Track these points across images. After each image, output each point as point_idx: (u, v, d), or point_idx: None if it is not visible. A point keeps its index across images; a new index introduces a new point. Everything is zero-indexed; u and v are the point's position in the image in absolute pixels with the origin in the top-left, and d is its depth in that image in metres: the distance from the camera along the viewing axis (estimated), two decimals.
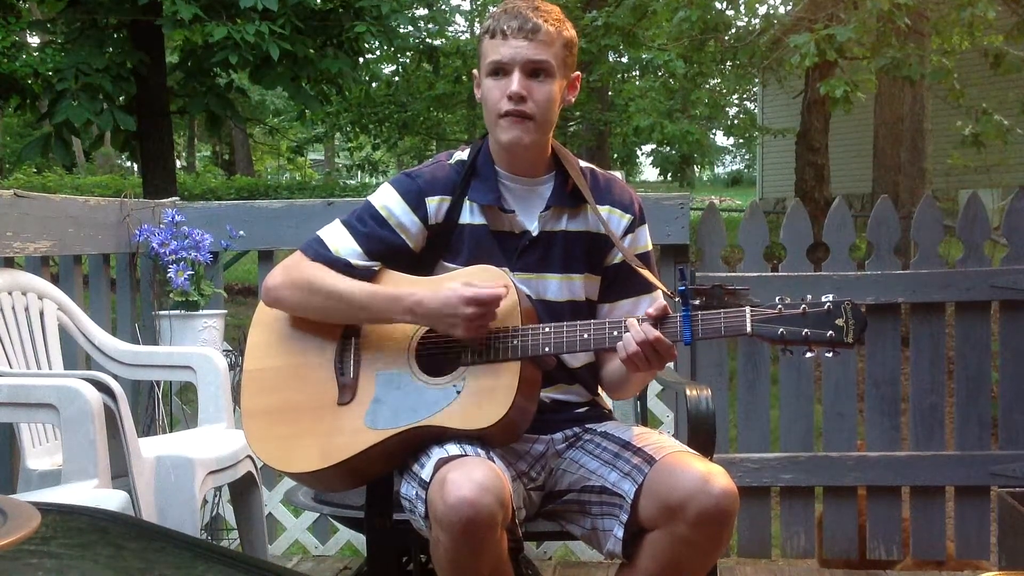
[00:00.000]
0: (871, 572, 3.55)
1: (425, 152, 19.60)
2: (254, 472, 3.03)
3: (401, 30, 10.52)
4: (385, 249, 2.20)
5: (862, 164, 14.17)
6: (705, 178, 38.19)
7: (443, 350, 2.12)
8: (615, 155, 18.96)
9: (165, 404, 3.62)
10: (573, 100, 2.27)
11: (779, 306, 1.97)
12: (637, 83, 14.77)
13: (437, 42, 13.42)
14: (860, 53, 8.56)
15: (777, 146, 17.49)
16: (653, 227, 2.41)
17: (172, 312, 3.46)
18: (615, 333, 2.04)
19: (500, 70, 2.15)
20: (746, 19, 10.74)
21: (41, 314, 3.01)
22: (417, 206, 2.21)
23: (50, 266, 3.36)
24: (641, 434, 2.17)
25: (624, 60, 14.61)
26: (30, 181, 17.40)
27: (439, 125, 18.73)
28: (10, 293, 2.90)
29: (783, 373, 3.59)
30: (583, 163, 2.31)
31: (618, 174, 2.45)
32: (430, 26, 13.01)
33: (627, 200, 2.29)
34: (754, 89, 18.31)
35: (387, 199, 2.23)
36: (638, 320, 2.03)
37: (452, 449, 1.99)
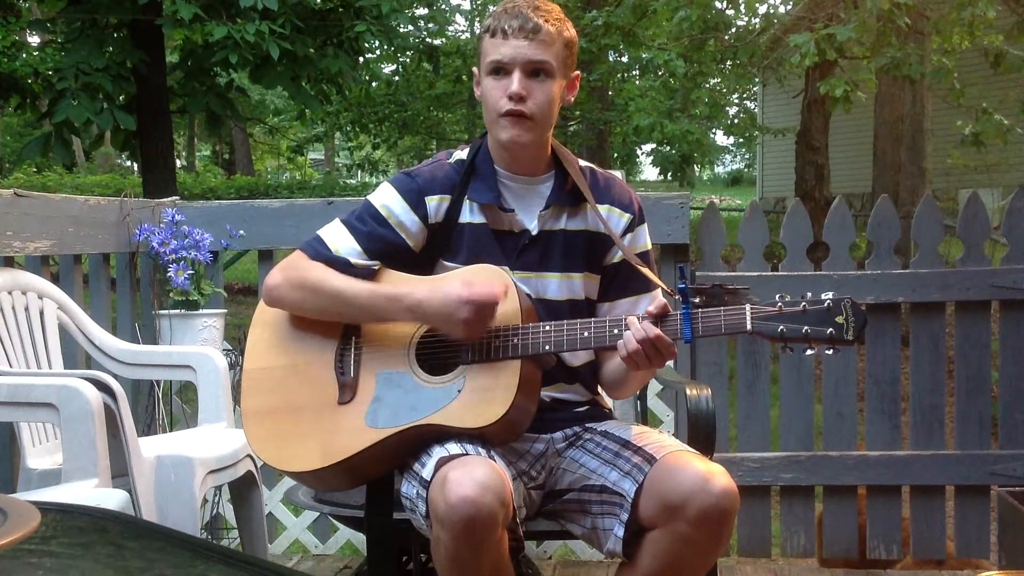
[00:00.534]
0: (871, 571, 3.55)
1: (425, 151, 19.61)
2: (254, 471, 3.03)
3: (401, 29, 10.51)
4: (385, 248, 2.20)
5: (862, 164, 14.16)
6: (705, 177, 38.19)
7: (443, 349, 2.12)
8: (615, 154, 18.97)
9: (165, 403, 3.62)
10: (573, 100, 2.27)
11: (779, 304, 1.97)
12: (637, 82, 14.78)
13: (437, 41, 13.43)
14: (860, 52, 8.56)
15: (777, 145, 17.49)
16: (653, 226, 2.41)
17: (172, 311, 3.46)
18: (615, 331, 2.04)
19: (500, 69, 2.15)
20: (746, 18, 10.74)
21: (41, 313, 3.01)
22: (417, 205, 2.21)
23: (50, 265, 3.36)
24: (641, 433, 2.17)
25: (624, 59, 14.61)
26: (30, 180, 17.41)
27: (439, 124, 18.74)
28: (10, 292, 2.90)
29: (783, 372, 3.59)
30: (583, 162, 2.31)
31: (618, 173, 2.45)
32: (430, 25, 13.01)
33: (627, 199, 2.29)
34: (754, 88, 18.31)
35: (387, 198, 2.23)
36: (638, 318, 2.03)
37: (453, 448, 1.99)
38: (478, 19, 18.07)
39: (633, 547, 2.04)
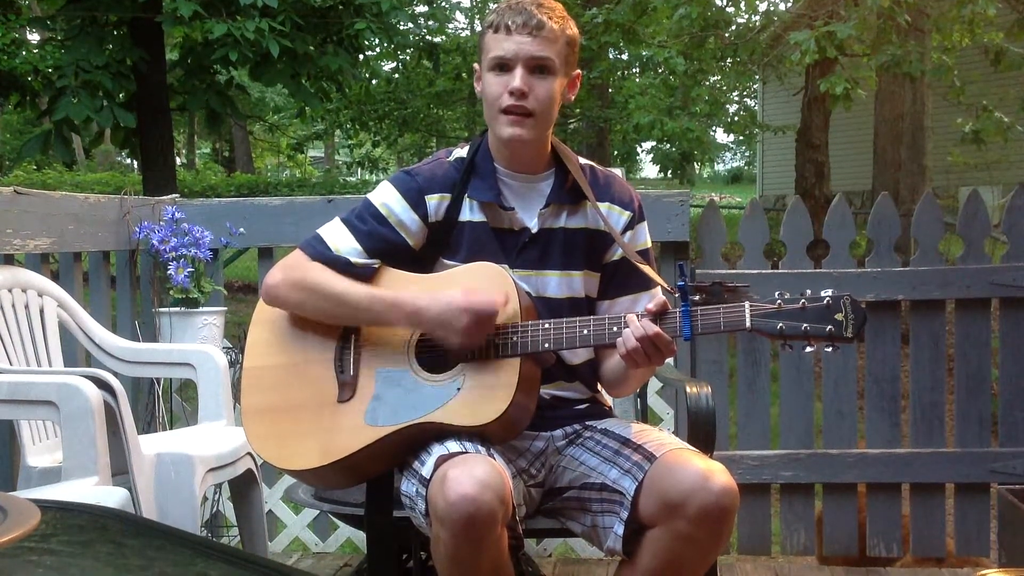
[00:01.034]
0: (871, 569, 3.55)
1: (425, 149, 19.60)
2: (254, 469, 3.03)
3: (401, 27, 10.50)
4: (385, 247, 2.20)
5: (862, 161, 14.16)
6: (705, 175, 38.18)
7: (443, 347, 2.12)
8: (615, 152, 18.96)
9: (165, 401, 3.62)
10: (573, 99, 2.27)
11: (778, 301, 1.97)
12: (637, 80, 14.77)
13: (437, 39, 13.41)
14: (860, 50, 8.56)
15: (777, 143, 17.48)
16: (653, 224, 2.41)
17: (172, 309, 3.46)
18: (615, 329, 2.04)
19: (503, 65, 2.15)
20: (746, 16, 10.74)
21: (41, 311, 3.01)
22: (417, 204, 2.21)
23: (50, 263, 3.36)
24: (641, 431, 2.17)
25: (624, 57, 14.59)
26: (30, 178, 17.40)
27: (439, 122, 18.72)
28: (10, 290, 2.90)
29: (783, 370, 3.59)
30: (583, 160, 2.31)
31: (618, 171, 2.45)
32: (430, 23, 13.01)
33: (627, 197, 2.29)
34: (754, 86, 18.30)
35: (387, 197, 2.23)
36: (637, 316, 2.03)
37: (452, 446, 1.99)
38: (478, 16, 18.08)
39: (633, 545, 2.04)
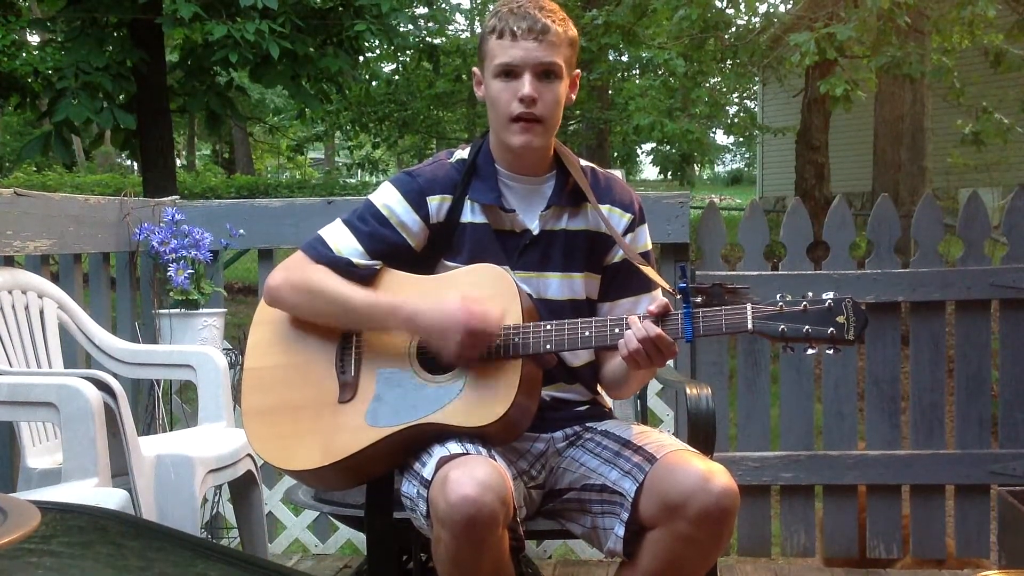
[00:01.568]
0: (871, 571, 3.55)
1: (425, 151, 19.59)
2: (254, 471, 3.03)
3: (401, 29, 10.50)
4: (387, 248, 2.20)
5: (862, 163, 14.16)
6: (705, 177, 38.19)
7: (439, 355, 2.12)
8: (615, 154, 18.96)
9: (165, 403, 3.62)
10: (574, 99, 2.27)
11: (780, 303, 1.97)
12: (637, 82, 14.77)
13: (437, 40, 13.41)
14: (860, 52, 8.56)
15: (777, 145, 17.49)
16: (653, 226, 2.41)
17: (172, 311, 3.46)
18: (616, 331, 2.04)
19: (510, 72, 2.14)
20: (746, 17, 10.75)
21: (41, 313, 3.01)
22: (418, 205, 2.21)
23: (50, 265, 3.36)
24: (641, 432, 2.17)
25: (624, 59, 14.61)
26: (30, 180, 17.41)
27: (439, 124, 18.73)
28: (10, 292, 2.90)
29: (783, 372, 3.59)
30: (583, 162, 2.31)
31: (618, 173, 2.45)
32: (430, 24, 13.00)
33: (627, 199, 2.29)
34: (754, 88, 18.31)
35: (388, 198, 2.22)
36: (639, 317, 2.03)
37: (453, 447, 1.99)
38: (478, 18, 18.09)
39: (633, 546, 2.03)
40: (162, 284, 3.54)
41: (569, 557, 3.79)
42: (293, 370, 2.19)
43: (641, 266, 2.21)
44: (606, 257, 2.27)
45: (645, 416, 2.91)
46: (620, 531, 2.04)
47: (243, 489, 3.06)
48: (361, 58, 11.58)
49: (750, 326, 1.97)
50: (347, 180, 23.66)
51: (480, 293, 2.11)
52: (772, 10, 10.72)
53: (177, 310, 3.46)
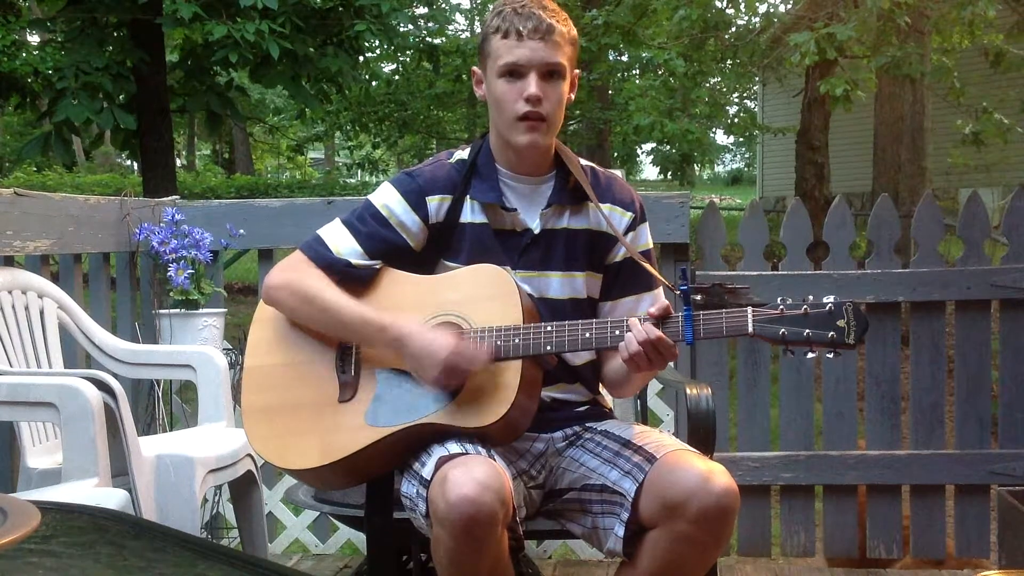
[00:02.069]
0: (871, 571, 3.55)
1: (425, 151, 19.61)
2: (254, 471, 3.03)
3: (401, 29, 10.50)
4: (386, 248, 2.20)
5: (862, 163, 14.16)
6: (705, 177, 38.21)
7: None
8: (615, 154, 18.99)
9: (165, 403, 3.62)
10: (573, 98, 2.27)
11: (781, 306, 1.97)
12: (637, 82, 14.78)
13: (437, 41, 13.41)
14: (860, 52, 8.55)
15: (777, 145, 17.48)
16: (653, 226, 2.41)
17: (172, 311, 3.46)
18: (616, 332, 2.04)
19: (515, 72, 2.14)
20: (746, 17, 10.75)
21: (41, 313, 3.01)
22: (418, 206, 2.21)
23: (50, 265, 3.36)
24: (641, 432, 2.17)
25: (624, 59, 14.63)
26: (30, 180, 17.41)
27: (439, 124, 18.74)
28: (10, 292, 2.90)
29: (783, 372, 3.59)
30: (583, 161, 2.31)
31: (618, 172, 2.45)
32: (430, 25, 12.99)
33: (628, 198, 2.29)
34: (754, 88, 18.32)
35: (388, 198, 2.22)
36: (640, 320, 2.03)
37: (453, 447, 1.99)
38: (478, 18, 18.08)
39: (633, 546, 2.03)
40: (162, 284, 3.54)
41: (569, 557, 3.79)
42: (293, 369, 2.19)
43: (641, 263, 2.21)
44: (608, 256, 2.27)
45: (645, 416, 2.92)
46: (620, 531, 2.04)
47: (243, 489, 3.06)
48: (361, 58, 11.57)
49: (751, 329, 1.97)
50: (347, 180, 23.66)
51: (480, 293, 2.11)
52: (772, 10, 10.71)
53: (177, 310, 3.46)
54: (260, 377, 2.21)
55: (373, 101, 16.45)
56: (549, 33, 2.12)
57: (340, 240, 2.20)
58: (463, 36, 18.44)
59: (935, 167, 11.07)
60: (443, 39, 15.22)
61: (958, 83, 8.47)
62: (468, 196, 2.22)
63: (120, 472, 2.50)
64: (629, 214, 2.27)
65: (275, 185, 19.66)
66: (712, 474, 1.96)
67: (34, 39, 13.83)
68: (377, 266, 2.20)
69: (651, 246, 2.33)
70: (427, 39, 12.27)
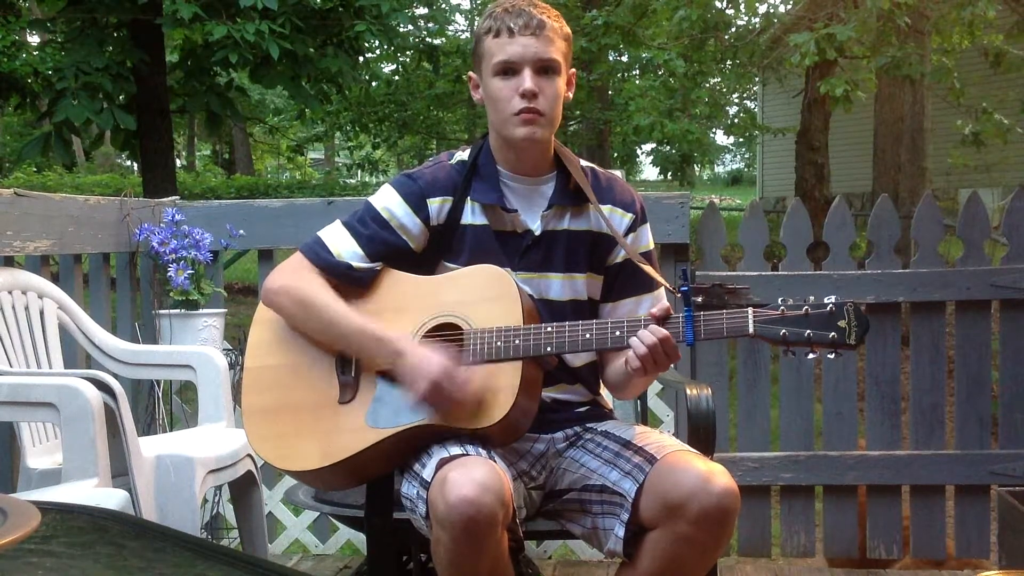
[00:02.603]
0: (871, 571, 3.55)
1: (425, 151, 19.62)
2: (254, 471, 3.03)
3: (401, 29, 10.50)
4: (386, 250, 2.20)
5: (862, 163, 14.17)
6: (705, 177, 38.22)
7: (445, 349, 2.12)
8: (615, 154, 18.99)
9: (165, 403, 3.62)
10: (571, 97, 2.27)
11: (781, 307, 1.97)
12: (637, 82, 14.79)
13: (437, 41, 13.41)
14: (860, 52, 8.56)
15: (777, 145, 17.49)
16: (653, 226, 2.41)
17: (172, 311, 3.46)
18: (617, 333, 2.04)
19: (509, 69, 2.14)
20: (746, 18, 10.75)
21: (41, 313, 3.01)
22: (418, 208, 2.21)
23: (50, 265, 3.36)
24: (642, 433, 2.17)
25: (624, 59, 14.63)
26: (30, 180, 17.40)
27: (439, 124, 18.75)
28: (10, 292, 2.90)
29: (783, 372, 3.59)
30: (584, 162, 2.31)
31: (618, 173, 2.45)
32: (430, 25, 13.00)
33: (628, 199, 2.29)
34: (754, 88, 18.32)
35: (388, 200, 2.22)
36: (644, 322, 2.03)
37: (453, 448, 1.99)
38: (477, 18, 18.06)
39: (633, 547, 2.03)
40: (162, 284, 3.54)
41: (569, 557, 3.79)
42: (294, 370, 2.19)
43: (642, 265, 2.21)
44: (608, 257, 2.27)
45: (645, 416, 2.91)
46: (620, 532, 2.04)
47: (243, 489, 3.06)
48: (361, 58, 11.57)
49: (751, 330, 1.97)
50: (347, 181, 23.67)
51: (481, 294, 2.11)
52: (772, 10, 10.72)
53: (177, 310, 3.46)
54: (260, 378, 2.21)
55: (373, 101, 16.46)
56: (540, 28, 2.13)
57: (341, 242, 2.20)
58: (463, 36, 18.45)
59: (935, 167, 11.07)
60: (443, 39, 15.23)
61: (958, 83, 8.47)
62: (469, 197, 2.22)
63: (120, 472, 2.50)
64: (629, 215, 2.27)
65: (275, 185, 19.66)
66: (712, 475, 1.96)
67: (34, 39, 13.85)
68: (378, 268, 2.20)
69: (652, 247, 2.32)
70: (427, 39, 12.28)
